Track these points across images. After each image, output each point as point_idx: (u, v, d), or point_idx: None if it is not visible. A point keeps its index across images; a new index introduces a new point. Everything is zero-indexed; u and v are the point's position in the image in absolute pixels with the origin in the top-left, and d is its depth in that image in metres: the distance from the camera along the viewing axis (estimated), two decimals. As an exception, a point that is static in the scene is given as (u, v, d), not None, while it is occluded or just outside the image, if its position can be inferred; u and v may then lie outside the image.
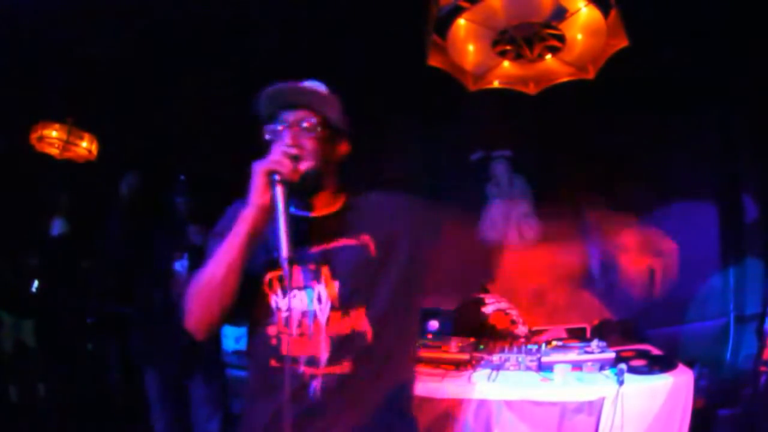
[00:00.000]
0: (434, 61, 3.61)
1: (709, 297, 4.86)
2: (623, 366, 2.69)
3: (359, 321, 1.49)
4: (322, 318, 1.49)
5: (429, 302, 4.87)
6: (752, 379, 3.93)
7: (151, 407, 3.51)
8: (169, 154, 4.76)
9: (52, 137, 4.60)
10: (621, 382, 2.63)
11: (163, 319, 3.32)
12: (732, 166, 4.84)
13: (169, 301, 3.30)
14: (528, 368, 2.94)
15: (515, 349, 3.10)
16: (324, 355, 1.48)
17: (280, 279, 1.50)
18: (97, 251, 3.89)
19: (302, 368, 1.48)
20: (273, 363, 1.51)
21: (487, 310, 3.96)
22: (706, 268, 4.88)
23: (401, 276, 1.53)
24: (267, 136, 1.50)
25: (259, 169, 1.40)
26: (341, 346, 1.48)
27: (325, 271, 1.50)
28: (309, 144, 1.47)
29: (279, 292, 1.52)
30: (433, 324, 4.07)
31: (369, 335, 1.50)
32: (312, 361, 1.48)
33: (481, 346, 3.24)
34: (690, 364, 3.18)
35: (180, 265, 3.38)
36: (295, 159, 1.43)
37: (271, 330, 1.52)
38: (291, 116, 1.49)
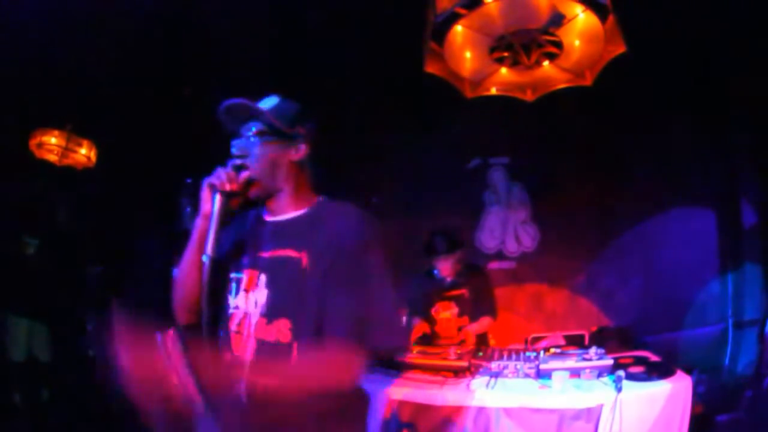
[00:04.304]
0: (431, 68, 3.61)
1: (707, 303, 4.87)
2: (621, 373, 2.67)
3: (283, 333, 1.54)
4: (253, 321, 1.59)
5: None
6: (754, 382, 3.92)
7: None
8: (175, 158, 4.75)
9: (51, 144, 4.60)
10: (619, 389, 2.61)
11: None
12: (731, 172, 4.85)
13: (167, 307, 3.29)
14: (526, 375, 2.92)
15: (513, 357, 3.09)
16: (248, 357, 1.57)
17: (238, 281, 1.66)
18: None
19: (234, 367, 1.57)
20: (227, 357, 1.63)
21: (439, 315, 3.94)
22: (704, 273, 4.89)
23: (328, 297, 1.51)
24: (232, 150, 1.64)
25: (204, 183, 1.60)
26: (264, 353, 1.55)
27: (263, 278, 1.61)
28: (255, 151, 1.62)
29: (234, 292, 1.66)
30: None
31: (294, 351, 1.51)
32: (239, 362, 1.57)
33: (480, 353, 3.23)
34: (688, 370, 3.17)
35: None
36: (238, 169, 1.60)
37: (228, 326, 1.66)
38: (243, 129, 1.65)
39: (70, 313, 4.87)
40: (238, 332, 1.61)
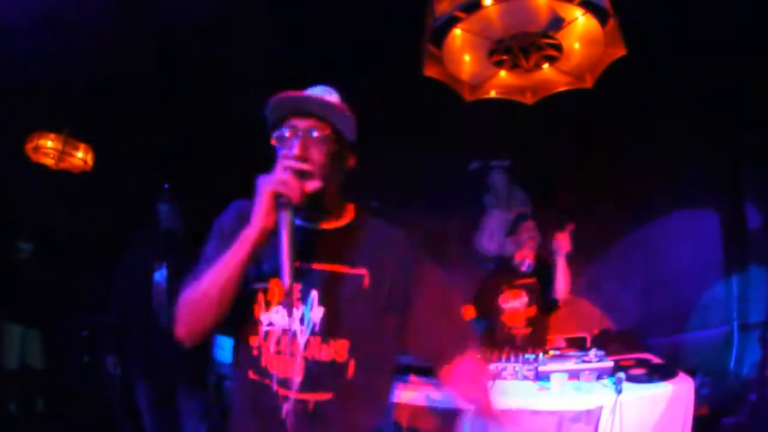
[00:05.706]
0: (430, 71, 3.59)
1: (712, 305, 4.84)
2: (621, 375, 2.67)
3: (340, 352, 1.42)
4: (301, 340, 1.43)
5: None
6: (758, 386, 3.91)
7: (143, 419, 3.50)
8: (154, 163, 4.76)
9: (47, 147, 4.56)
10: (619, 391, 2.61)
11: (146, 331, 3.34)
12: (734, 173, 4.83)
13: (150, 313, 3.31)
14: (525, 377, 2.93)
15: (512, 359, 3.08)
16: (297, 378, 1.42)
17: (265, 291, 1.45)
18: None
19: (275, 387, 1.43)
20: (251, 375, 1.47)
21: (507, 305, 3.76)
22: (708, 275, 4.87)
23: (388, 316, 1.47)
24: (274, 142, 1.41)
25: (265, 191, 1.32)
26: (317, 372, 1.42)
27: (313, 293, 1.43)
28: (317, 156, 1.38)
29: (264, 304, 1.46)
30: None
31: (350, 369, 1.43)
32: (284, 383, 1.42)
33: (478, 357, 3.22)
34: (692, 373, 3.16)
35: (159, 275, 3.37)
36: (302, 175, 1.35)
37: (253, 341, 1.47)
38: (301, 123, 1.40)
39: (64, 318, 4.87)
40: (278, 352, 1.43)
